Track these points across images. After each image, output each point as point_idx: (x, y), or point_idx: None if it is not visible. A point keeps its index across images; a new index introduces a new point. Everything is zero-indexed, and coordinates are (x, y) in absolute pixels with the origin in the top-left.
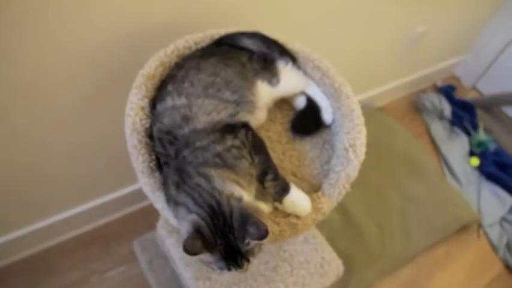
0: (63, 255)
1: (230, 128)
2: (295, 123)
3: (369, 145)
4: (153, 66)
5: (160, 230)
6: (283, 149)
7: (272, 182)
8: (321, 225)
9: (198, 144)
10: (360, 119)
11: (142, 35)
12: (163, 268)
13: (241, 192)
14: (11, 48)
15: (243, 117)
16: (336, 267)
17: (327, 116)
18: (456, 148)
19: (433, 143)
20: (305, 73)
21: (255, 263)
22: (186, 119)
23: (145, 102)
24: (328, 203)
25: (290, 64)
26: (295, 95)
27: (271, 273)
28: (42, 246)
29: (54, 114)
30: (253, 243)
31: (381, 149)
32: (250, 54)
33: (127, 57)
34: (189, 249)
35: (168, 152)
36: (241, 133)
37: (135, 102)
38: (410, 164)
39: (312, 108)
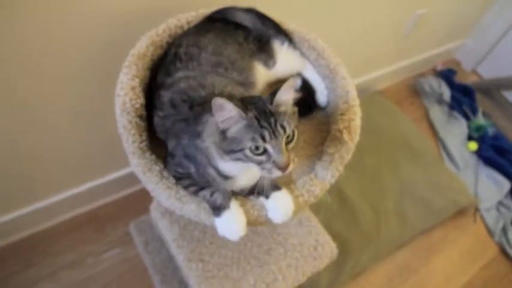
0: (60, 236)
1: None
2: None
3: (367, 128)
4: (143, 45)
5: (154, 211)
6: None
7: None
8: (317, 209)
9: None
10: (355, 101)
11: (133, 13)
12: (159, 250)
13: None
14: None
15: None
16: (329, 250)
17: (322, 98)
18: (455, 132)
19: (432, 127)
20: (301, 53)
21: (249, 246)
22: (203, 86)
23: (136, 82)
24: (321, 185)
25: (286, 44)
26: (290, 76)
27: (265, 255)
28: (38, 227)
29: (46, 92)
30: (280, 103)
31: (379, 132)
32: (246, 33)
33: (118, 36)
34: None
35: (181, 109)
36: None
37: (125, 81)
38: (408, 148)
39: (307, 89)
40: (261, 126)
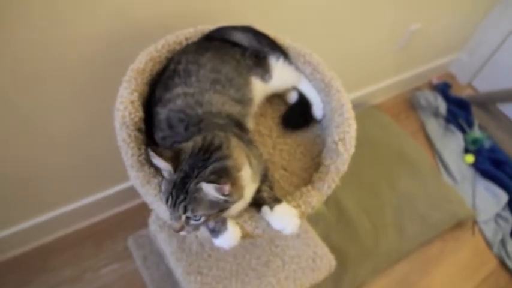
0: (58, 251)
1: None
2: (286, 118)
3: (364, 142)
4: (143, 60)
5: (152, 225)
6: (274, 143)
7: (268, 189)
8: (315, 222)
9: (214, 120)
10: (349, 113)
11: (132, 30)
12: (158, 265)
13: (244, 161)
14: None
15: (249, 121)
16: (327, 262)
17: (317, 111)
18: (451, 145)
19: (429, 140)
20: (296, 68)
21: (247, 258)
22: (200, 104)
23: (135, 96)
24: (318, 196)
25: (281, 59)
26: (287, 90)
27: (263, 267)
28: (36, 243)
29: (44, 106)
30: (203, 192)
31: (376, 145)
32: (243, 50)
33: (117, 52)
34: (157, 150)
35: (177, 130)
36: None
37: (124, 96)
38: (405, 161)
39: (303, 103)
40: (170, 193)
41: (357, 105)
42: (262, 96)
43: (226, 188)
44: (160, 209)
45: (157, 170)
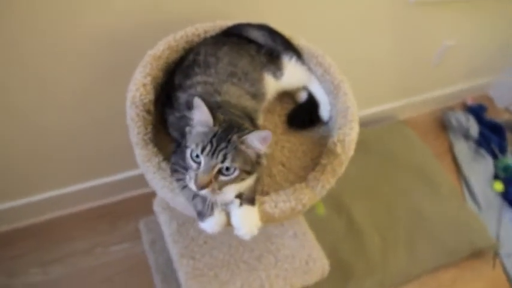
0: (75, 225)
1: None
2: (292, 116)
3: (385, 156)
4: (161, 48)
5: (156, 206)
6: (277, 139)
7: (251, 190)
8: (324, 233)
9: (231, 110)
10: (353, 116)
11: (154, 22)
12: (163, 250)
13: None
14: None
15: (259, 117)
16: (321, 266)
17: (324, 112)
18: (480, 170)
19: (456, 162)
20: (309, 69)
21: (240, 250)
22: (218, 92)
23: (148, 80)
24: (310, 194)
25: (294, 59)
26: (297, 89)
27: (255, 261)
28: (54, 214)
29: (72, 91)
30: (246, 143)
31: (396, 161)
32: (258, 47)
33: (138, 41)
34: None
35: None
36: None
37: (138, 78)
38: (425, 180)
39: (312, 103)
40: (210, 141)
41: (384, 119)
42: (274, 93)
43: (270, 135)
44: (157, 186)
45: (160, 150)
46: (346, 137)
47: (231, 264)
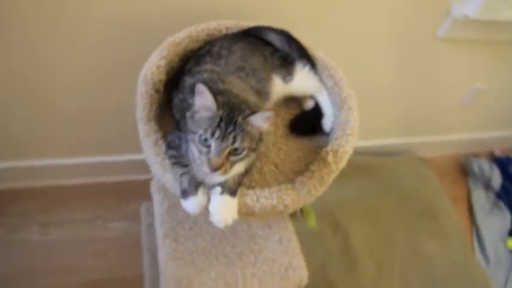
0: (81, 195)
1: None
2: (294, 121)
3: (393, 187)
4: (180, 36)
5: (152, 186)
6: (275, 141)
7: (236, 180)
8: (315, 248)
9: (233, 100)
10: (352, 131)
11: (179, 14)
12: None
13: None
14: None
15: None
16: (299, 276)
17: (327, 124)
18: (495, 223)
19: (471, 211)
20: (320, 79)
21: (223, 243)
22: (222, 81)
23: (162, 62)
24: (294, 196)
25: (307, 67)
26: (305, 97)
27: (234, 257)
28: (63, 181)
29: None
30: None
31: (405, 194)
32: (274, 50)
33: (159, 31)
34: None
35: None
36: None
37: (153, 60)
38: (434, 220)
39: (316, 112)
40: (218, 126)
41: (402, 152)
42: (280, 96)
43: (271, 114)
44: (150, 160)
45: (160, 128)
46: (340, 148)
47: (211, 255)
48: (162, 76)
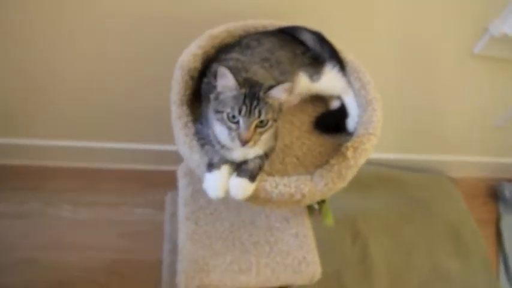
0: (111, 179)
1: None
2: (320, 119)
3: (418, 202)
4: (219, 29)
5: (180, 170)
6: (299, 135)
7: (257, 165)
8: (334, 253)
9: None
10: (374, 130)
11: (219, 11)
12: None
13: None
14: None
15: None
16: (312, 271)
17: (351, 123)
18: None
19: (499, 236)
20: (348, 81)
21: (241, 231)
22: (246, 71)
23: (199, 51)
24: (311, 187)
25: (337, 69)
26: (332, 97)
27: (250, 245)
28: (98, 164)
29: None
30: (271, 96)
31: (429, 210)
32: (305, 49)
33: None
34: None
35: None
36: None
37: (192, 48)
38: (458, 241)
39: (342, 112)
40: (243, 103)
41: (432, 169)
42: (305, 93)
43: (289, 85)
44: (179, 141)
45: (193, 111)
46: (361, 145)
47: (228, 240)
48: (198, 64)
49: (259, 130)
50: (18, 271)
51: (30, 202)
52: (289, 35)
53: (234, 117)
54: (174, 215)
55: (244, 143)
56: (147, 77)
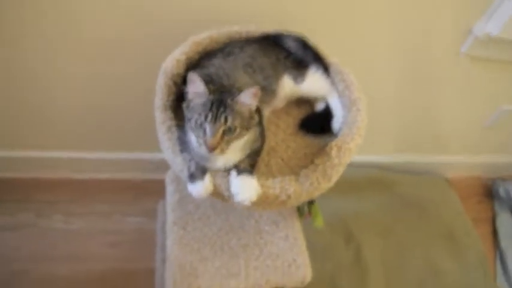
0: (104, 189)
1: None
2: (305, 120)
3: (412, 203)
4: (202, 36)
5: (167, 177)
6: (284, 138)
7: (248, 163)
8: (328, 257)
9: (224, 87)
10: (358, 130)
11: (203, 18)
12: None
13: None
14: None
15: (264, 109)
16: (302, 273)
17: (336, 124)
18: None
19: (495, 234)
20: (332, 83)
21: (230, 235)
22: (228, 77)
23: (182, 58)
24: (296, 188)
25: (320, 71)
26: (316, 99)
27: (239, 249)
28: (89, 175)
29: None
30: (239, 103)
31: (423, 211)
32: (288, 54)
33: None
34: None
35: None
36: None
37: (175, 54)
38: (452, 240)
39: (327, 114)
40: (210, 109)
41: (426, 170)
42: (290, 96)
43: (256, 90)
44: (163, 145)
45: (176, 115)
46: (344, 144)
47: (216, 245)
48: (181, 70)
49: (226, 137)
50: (11, 284)
51: (22, 214)
52: (272, 41)
53: (201, 124)
54: (165, 223)
55: (211, 149)
56: (137, 86)
